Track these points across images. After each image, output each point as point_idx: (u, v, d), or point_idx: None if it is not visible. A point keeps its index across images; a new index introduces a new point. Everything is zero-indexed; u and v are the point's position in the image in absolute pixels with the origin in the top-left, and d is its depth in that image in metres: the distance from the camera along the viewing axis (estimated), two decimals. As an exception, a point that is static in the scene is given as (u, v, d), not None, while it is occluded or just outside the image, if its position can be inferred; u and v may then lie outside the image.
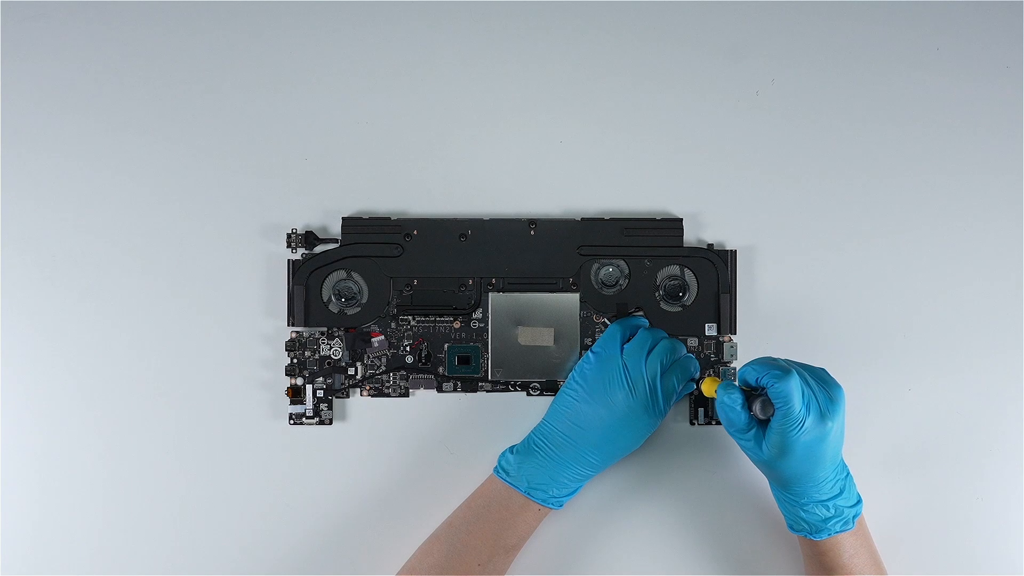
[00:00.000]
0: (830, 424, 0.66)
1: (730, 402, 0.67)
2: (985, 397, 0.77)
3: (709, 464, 0.77)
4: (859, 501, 0.70)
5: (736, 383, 0.68)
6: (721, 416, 0.68)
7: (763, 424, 0.67)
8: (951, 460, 0.77)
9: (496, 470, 0.72)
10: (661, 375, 0.71)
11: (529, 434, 0.73)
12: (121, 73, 0.77)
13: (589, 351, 0.73)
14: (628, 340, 0.73)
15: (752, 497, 0.75)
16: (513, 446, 0.73)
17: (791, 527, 0.71)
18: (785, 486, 0.69)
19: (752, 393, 0.68)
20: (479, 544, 0.71)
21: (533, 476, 0.71)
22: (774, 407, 0.66)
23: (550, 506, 0.72)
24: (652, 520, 0.77)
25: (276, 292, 0.76)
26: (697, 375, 0.74)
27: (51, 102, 0.77)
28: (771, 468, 0.68)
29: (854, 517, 0.69)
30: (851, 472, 0.70)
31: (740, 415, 0.67)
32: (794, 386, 0.65)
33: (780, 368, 0.65)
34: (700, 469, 0.77)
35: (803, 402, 0.65)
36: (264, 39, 0.77)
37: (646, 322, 0.75)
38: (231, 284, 0.77)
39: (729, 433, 0.69)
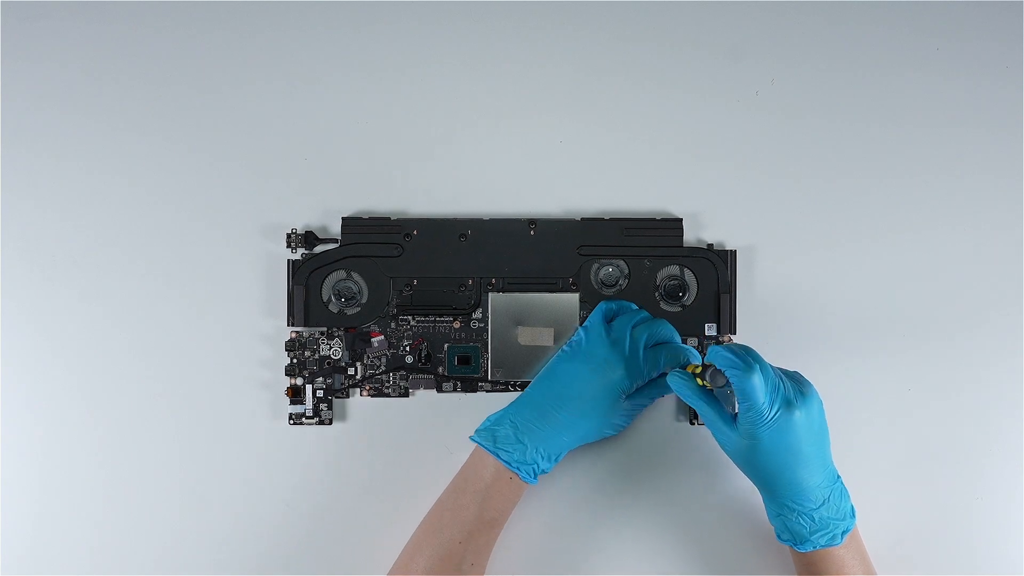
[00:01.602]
0: (798, 413, 0.66)
1: (684, 390, 0.68)
2: (985, 397, 0.77)
3: (710, 464, 0.77)
4: (849, 516, 0.69)
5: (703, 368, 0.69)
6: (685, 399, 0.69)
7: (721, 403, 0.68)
8: (951, 460, 0.77)
9: (472, 436, 0.72)
10: (647, 348, 0.71)
11: None
12: (121, 73, 0.77)
13: (580, 327, 0.74)
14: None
15: (753, 499, 0.75)
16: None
17: (778, 535, 0.70)
18: (770, 491, 0.68)
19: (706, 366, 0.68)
20: (459, 519, 0.71)
21: (504, 436, 0.71)
22: (725, 378, 0.66)
23: (522, 475, 0.71)
24: (651, 520, 0.77)
25: (276, 292, 0.76)
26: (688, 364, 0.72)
27: (51, 102, 0.77)
28: (750, 465, 0.68)
29: (843, 533, 0.69)
30: (848, 481, 0.70)
31: (695, 400, 0.68)
32: (756, 382, 0.65)
33: (742, 364, 0.65)
34: (700, 469, 0.77)
35: (767, 392, 0.65)
36: (264, 39, 0.77)
37: (634, 305, 0.75)
38: (231, 284, 0.77)
39: (706, 424, 0.69)
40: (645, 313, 0.74)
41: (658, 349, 0.71)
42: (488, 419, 0.73)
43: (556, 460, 0.72)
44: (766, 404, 0.66)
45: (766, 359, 0.69)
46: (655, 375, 0.72)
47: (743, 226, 0.78)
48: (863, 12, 0.78)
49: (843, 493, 0.69)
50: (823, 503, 0.68)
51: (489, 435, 0.71)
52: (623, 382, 0.71)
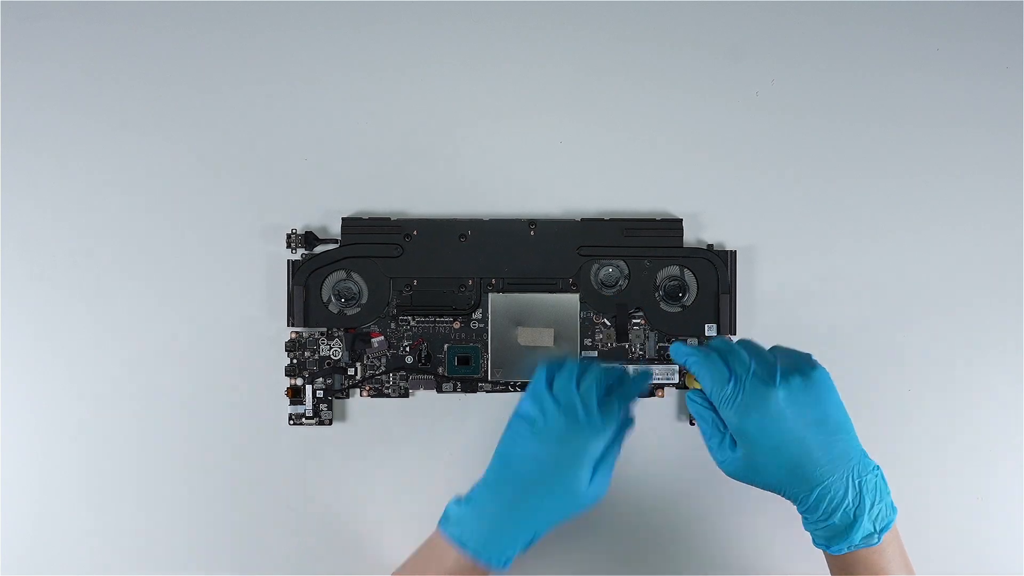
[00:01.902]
0: (781, 393, 0.63)
1: (699, 412, 0.68)
2: (985, 397, 0.77)
3: (710, 464, 0.76)
4: (889, 511, 0.64)
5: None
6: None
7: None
8: (951, 460, 0.77)
9: (440, 521, 0.67)
10: (600, 400, 0.65)
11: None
12: (121, 73, 0.77)
13: (524, 395, 0.67)
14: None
15: (753, 499, 0.75)
16: (460, 496, 0.67)
17: (813, 540, 0.66)
18: (788, 491, 0.66)
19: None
20: None
21: (474, 530, 0.65)
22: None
23: (493, 567, 0.64)
24: (651, 520, 0.77)
25: (276, 293, 0.76)
26: (648, 389, 0.71)
27: (51, 102, 0.77)
28: (753, 469, 0.65)
29: (881, 531, 0.63)
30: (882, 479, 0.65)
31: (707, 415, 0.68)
32: (694, 360, 0.66)
33: (691, 351, 0.67)
34: (700, 469, 0.77)
35: (714, 374, 0.65)
36: (264, 39, 0.77)
37: (570, 356, 0.72)
38: (231, 284, 0.77)
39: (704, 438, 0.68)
40: (581, 363, 0.67)
41: (611, 397, 0.66)
42: (450, 506, 0.67)
43: (529, 546, 0.66)
44: (726, 383, 0.64)
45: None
46: (618, 422, 0.66)
47: (743, 226, 0.78)
48: (863, 12, 0.78)
49: (878, 486, 0.64)
50: (851, 497, 0.63)
51: (457, 529, 0.65)
52: (587, 450, 0.64)
